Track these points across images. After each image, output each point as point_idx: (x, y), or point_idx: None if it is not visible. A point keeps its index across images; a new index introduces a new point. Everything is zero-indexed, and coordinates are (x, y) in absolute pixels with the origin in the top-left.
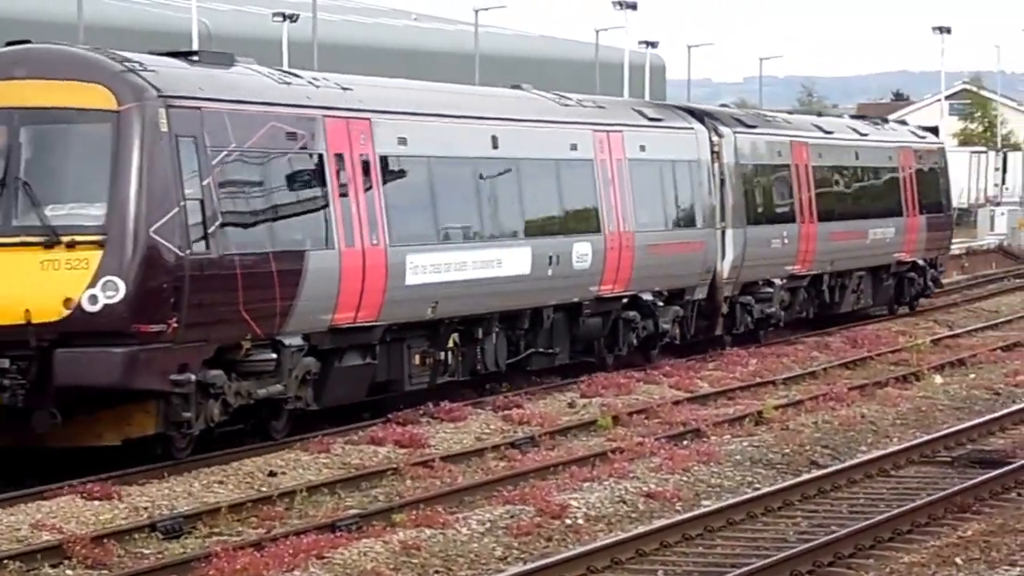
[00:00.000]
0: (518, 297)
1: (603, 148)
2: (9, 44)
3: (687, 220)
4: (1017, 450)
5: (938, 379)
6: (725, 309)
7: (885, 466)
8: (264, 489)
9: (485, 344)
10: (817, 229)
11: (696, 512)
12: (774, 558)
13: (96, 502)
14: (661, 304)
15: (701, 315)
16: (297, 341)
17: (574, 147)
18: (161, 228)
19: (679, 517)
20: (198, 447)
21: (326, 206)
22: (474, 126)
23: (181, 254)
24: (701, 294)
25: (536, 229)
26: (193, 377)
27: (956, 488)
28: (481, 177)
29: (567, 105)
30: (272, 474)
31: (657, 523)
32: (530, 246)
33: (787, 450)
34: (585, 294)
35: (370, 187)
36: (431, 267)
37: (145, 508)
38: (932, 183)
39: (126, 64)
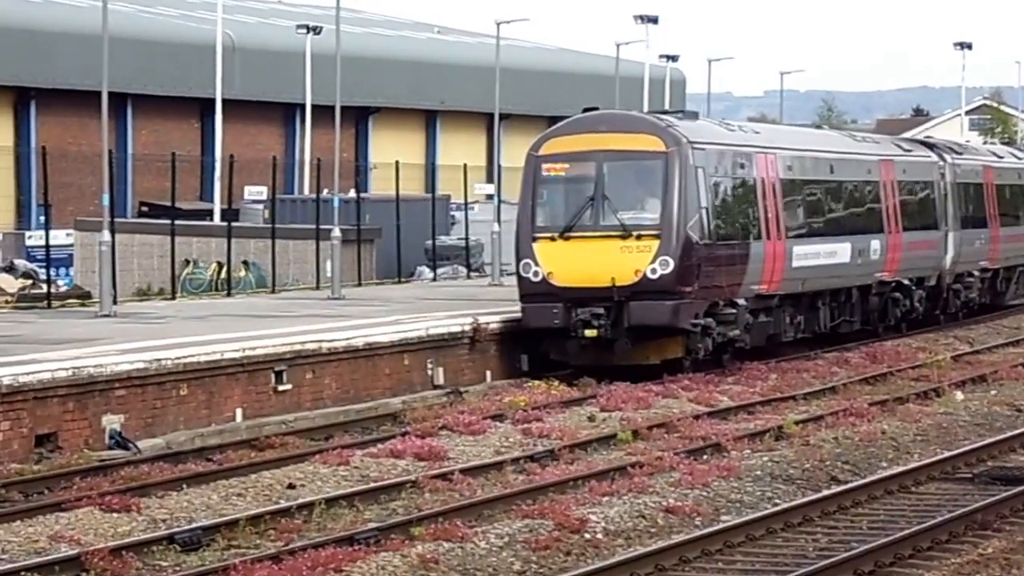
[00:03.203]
0: (841, 279)
1: (883, 171)
2: (586, 110)
3: (928, 224)
4: None
5: (959, 395)
6: (945, 294)
7: (905, 482)
8: (283, 502)
9: (821, 312)
10: (1000, 232)
11: (716, 527)
12: (793, 574)
13: (114, 514)
14: (913, 288)
15: (928, 298)
16: (743, 302)
17: (869, 171)
18: (691, 226)
19: (699, 532)
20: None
21: (757, 211)
22: (822, 157)
23: (700, 243)
24: (932, 281)
25: (851, 229)
26: (701, 321)
27: (977, 505)
28: (825, 192)
29: (859, 140)
30: (291, 487)
31: (676, 538)
32: (849, 242)
33: (807, 466)
34: (873, 278)
35: (776, 198)
36: (803, 255)
37: (163, 520)
38: None
39: (664, 121)
